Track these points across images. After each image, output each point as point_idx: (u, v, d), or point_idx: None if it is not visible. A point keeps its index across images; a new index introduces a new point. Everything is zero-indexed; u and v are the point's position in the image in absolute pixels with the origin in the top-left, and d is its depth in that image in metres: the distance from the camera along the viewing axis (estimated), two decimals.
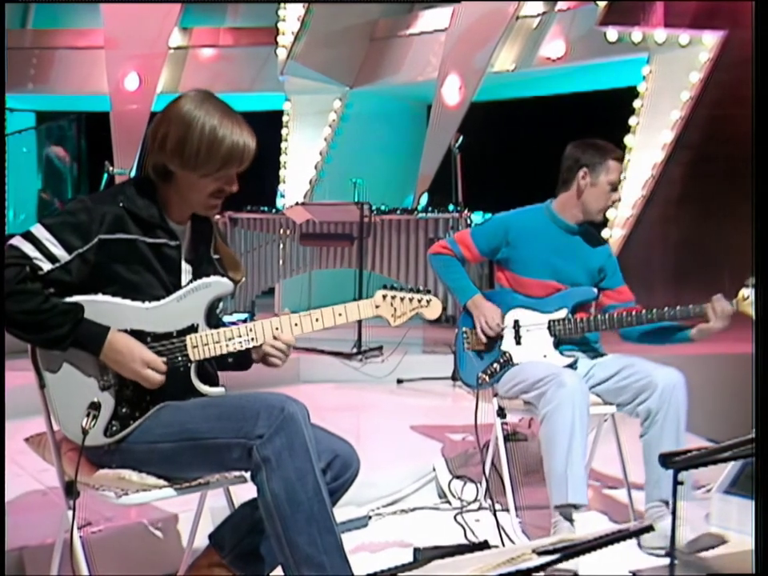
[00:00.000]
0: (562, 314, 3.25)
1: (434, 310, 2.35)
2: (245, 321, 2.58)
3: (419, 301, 2.34)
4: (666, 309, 3.10)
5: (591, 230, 3.43)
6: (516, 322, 3.28)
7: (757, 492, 1.88)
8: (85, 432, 2.10)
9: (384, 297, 2.33)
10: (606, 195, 3.30)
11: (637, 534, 1.58)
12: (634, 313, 3.17)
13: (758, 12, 2.61)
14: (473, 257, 3.42)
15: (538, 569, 1.27)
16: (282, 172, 9.51)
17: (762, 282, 2.20)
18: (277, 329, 2.25)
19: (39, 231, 2.09)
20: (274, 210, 7.15)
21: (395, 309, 2.33)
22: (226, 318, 2.49)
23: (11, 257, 2.06)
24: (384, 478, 3.56)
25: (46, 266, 2.08)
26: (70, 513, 2.16)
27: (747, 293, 3.00)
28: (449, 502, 3.57)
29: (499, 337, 3.28)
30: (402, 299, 2.33)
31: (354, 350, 5.80)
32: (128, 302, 2.15)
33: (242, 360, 2.34)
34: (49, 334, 2.06)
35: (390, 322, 2.33)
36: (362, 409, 4.94)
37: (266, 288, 7.26)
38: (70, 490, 2.17)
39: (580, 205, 3.32)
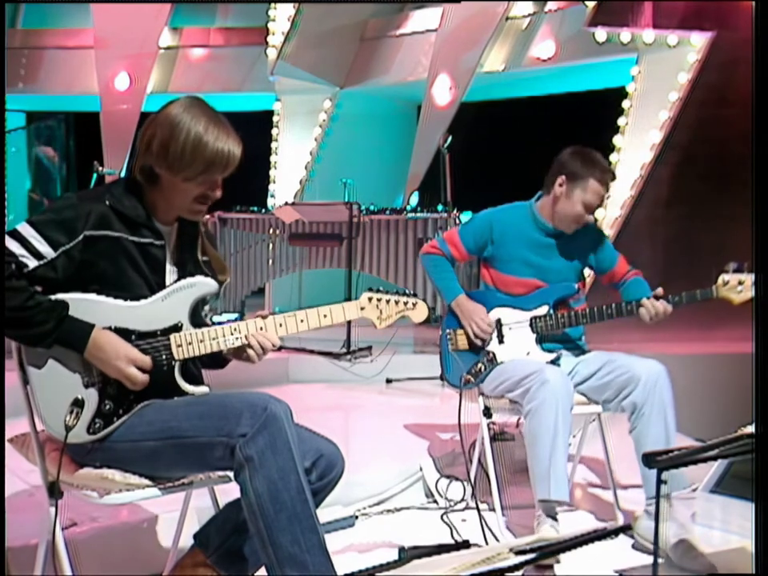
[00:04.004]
0: (543, 310, 3.26)
1: (419, 313, 2.36)
2: (234, 321, 2.59)
3: (405, 303, 2.35)
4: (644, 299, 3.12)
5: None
6: (498, 320, 3.29)
7: (757, 493, 1.88)
8: (68, 428, 2.10)
9: (370, 299, 2.33)
10: (577, 214, 3.21)
11: (613, 533, 1.58)
12: (614, 305, 3.17)
13: (758, 12, 2.60)
14: (461, 255, 3.42)
15: (514, 568, 1.28)
16: (272, 172, 9.51)
17: (761, 280, 2.21)
18: (261, 329, 2.26)
19: (25, 229, 2.10)
20: (263, 210, 7.15)
21: (381, 311, 2.34)
22: (216, 318, 2.50)
23: None
24: (371, 477, 3.57)
25: (32, 263, 2.09)
26: (53, 513, 2.15)
27: (727, 278, 3.05)
28: (436, 502, 3.57)
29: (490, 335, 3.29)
30: (387, 301, 2.34)
31: (344, 350, 5.80)
32: (112, 300, 2.16)
33: (216, 357, 2.33)
34: (33, 330, 2.07)
35: (376, 324, 2.34)
36: (351, 409, 4.94)
37: (255, 288, 7.27)
38: (53, 490, 2.17)
39: (553, 213, 3.29)
